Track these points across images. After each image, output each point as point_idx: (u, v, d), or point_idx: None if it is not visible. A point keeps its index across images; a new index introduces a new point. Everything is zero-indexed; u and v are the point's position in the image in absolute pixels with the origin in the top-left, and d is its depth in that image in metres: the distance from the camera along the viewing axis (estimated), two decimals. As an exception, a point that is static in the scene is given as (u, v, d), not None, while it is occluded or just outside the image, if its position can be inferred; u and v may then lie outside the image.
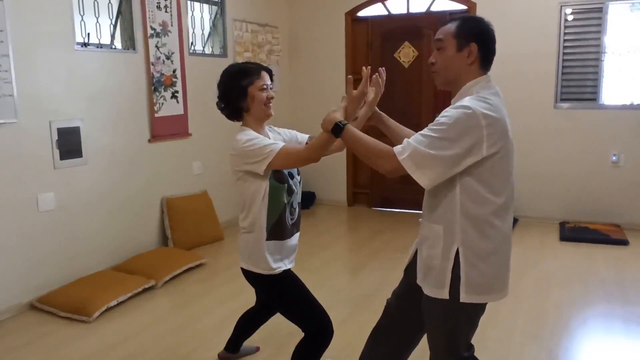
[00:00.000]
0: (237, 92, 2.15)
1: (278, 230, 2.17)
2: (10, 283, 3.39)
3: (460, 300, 1.69)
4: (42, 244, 3.56)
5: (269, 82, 2.20)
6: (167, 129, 4.56)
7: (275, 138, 2.29)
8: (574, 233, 4.86)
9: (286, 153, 2.03)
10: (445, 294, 1.71)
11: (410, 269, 1.95)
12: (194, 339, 3.04)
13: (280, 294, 2.25)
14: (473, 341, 1.86)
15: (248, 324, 2.67)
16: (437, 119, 1.65)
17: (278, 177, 2.13)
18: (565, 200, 5.32)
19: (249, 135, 2.11)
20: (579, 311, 3.33)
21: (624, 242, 4.62)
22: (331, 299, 3.50)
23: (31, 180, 3.48)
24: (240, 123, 2.24)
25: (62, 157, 3.65)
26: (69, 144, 3.69)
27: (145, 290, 3.69)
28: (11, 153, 3.35)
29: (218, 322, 3.24)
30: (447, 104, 1.76)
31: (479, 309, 1.77)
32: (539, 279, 3.86)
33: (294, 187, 2.21)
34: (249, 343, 2.81)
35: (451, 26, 1.73)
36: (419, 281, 1.82)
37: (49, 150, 3.58)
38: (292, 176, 2.22)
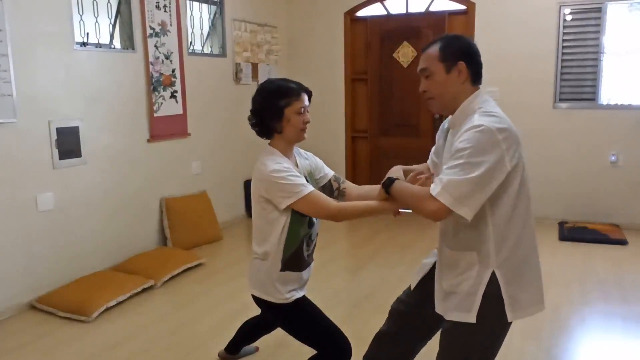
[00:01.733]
0: (273, 112, 2.02)
1: (294, 262, 2.08)
2: (9, 283, 3.39)
3: (509, 320, 1.68)
4: (41, 244, 3.56)
5: (307, 104, 2.07)
6: (166, 129, 4.55)
7: (302, 164, 2.18)
8: (573, 233, 4.86)
9: (313, 201, 1.93)
10: (472, 318, 1.68)
11: (422, 286, 1.93)
12: (194, 339, 3.04)
13: (294, 323, 2.16)
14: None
15: (251, 331, 2.65)
16: (455, 146, 1.63)
17: None
18: (564, 200, 5.32)
19: (278, 163, 1.98)
20: (578, 311, 3.33)
21: (622, 242, 4.63)
22: (331, 299, 3.50)
23: (30, 180, 3.47)
24: (268, 141, 2.12)
25: (61, 157, 3.64)
26: (68, 143, 3.69)
27: (144, 290, 3.68)
28: (10, 153, 3.34)
29: (218, 322, 3.23)
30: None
31: (507, 327, 1.73)
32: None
33: (314, 219, 2.10)
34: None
35: (433, 51, 1.72)
36: (438, 310, 1.80)
37: (48, 150, 3.57)
38: None
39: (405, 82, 5.82)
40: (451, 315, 1.73)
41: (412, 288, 1.98)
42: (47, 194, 3.57)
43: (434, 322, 1.87)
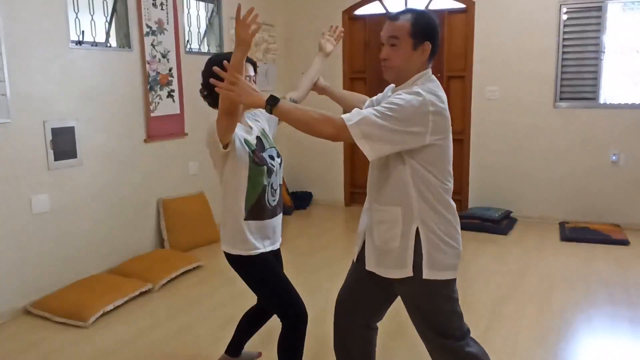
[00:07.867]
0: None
1: (257, 210, 2.18)
2: (4, 287, 3.30)
3: (423, 277, 1.76)
4: (36, 247, 3.47)
5: (252, 73, 2.21)
6: (163, 129, 4.47)
7: (255, 125, 2.32)
8: (575, 233, 4.82)
9: (216, 121, 2.11)
10: (409, 272, 1.78)
11: (361, 259, 1.97)
12: (194, 344, 2.97)
13: (256, 276, 2.26)
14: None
15: (249, 323, 2.62)
16: (390, 99, 1.72)
17: (257, 160, 2.16)
18: (565, 200, 5.29)
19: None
20: (585, 313, 3.29)
21: (624, 242, 4.60)
22: (330, 301, 3.42)
23: (25, 181, 3.39)
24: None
25: (56, 158, 3.56)
26: (63, 144, 3.61)
27: (142, 293, 3.61)
28: (4, 154, 3.26)
29: (217, 326, 3.17)
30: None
31: (452, 282, 1.83)
32: (542, 280, 3.83)
33: (273, 168, 2.24)
34: (250, 347, 2.75)
35: (406, 24, 1.77)
36: (370, 267, 1.89)
37: (43, 151, 3.49)
38: (272, 157, 2.25)
39: (404, 81, 5.76)
40: (390, 273, 1.83)
41: (355, 260, 2.04)
42: (42, 195, 3.49)
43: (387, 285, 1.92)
